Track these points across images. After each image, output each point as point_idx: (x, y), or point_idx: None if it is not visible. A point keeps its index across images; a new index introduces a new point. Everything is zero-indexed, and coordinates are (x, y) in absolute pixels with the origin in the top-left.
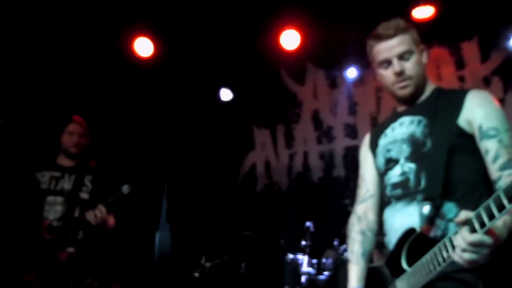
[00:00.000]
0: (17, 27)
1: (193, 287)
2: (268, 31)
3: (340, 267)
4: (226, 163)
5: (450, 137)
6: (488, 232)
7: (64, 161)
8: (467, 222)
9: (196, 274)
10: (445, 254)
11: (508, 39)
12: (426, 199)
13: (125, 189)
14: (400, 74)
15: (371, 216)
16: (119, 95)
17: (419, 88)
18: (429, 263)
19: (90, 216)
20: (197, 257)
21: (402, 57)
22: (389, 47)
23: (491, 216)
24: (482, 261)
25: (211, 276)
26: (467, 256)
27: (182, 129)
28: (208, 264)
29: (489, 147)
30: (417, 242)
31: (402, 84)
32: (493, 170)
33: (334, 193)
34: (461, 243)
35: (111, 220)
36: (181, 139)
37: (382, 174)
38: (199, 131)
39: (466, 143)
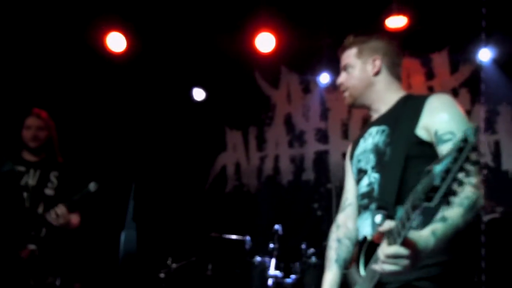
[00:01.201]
0: None
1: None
2: (243, 33)
3: (307, 271)
4: (197, 163)
5: (407, 145)
6: (407, 243)
7: (28, 156)
8: (389, 233)
9: (162, 275)
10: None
11: (477, 52)
12: (379, 207)
13: (92, 186)
14: (339, 85)
15: (350, 225)
16: (90, 90)
17: (360, 98)
18: (369, 273)
19: (51, 215)
20: (163, 257)
21: (345, 69)
22: (341, 61)
23: (403, 225)
24: (406, 271)
25: (177, 277)
26: (387, 268)
27: (152, 127)
28: (174, 265)
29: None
30: (369, 250)
31: (343, 94)
32: None
33: (303, 197)
34: (380, 255)
35: (75, 219)
36: (151, 137)
37: (357, 184)
38: (170, 129)
39: (424, 150)
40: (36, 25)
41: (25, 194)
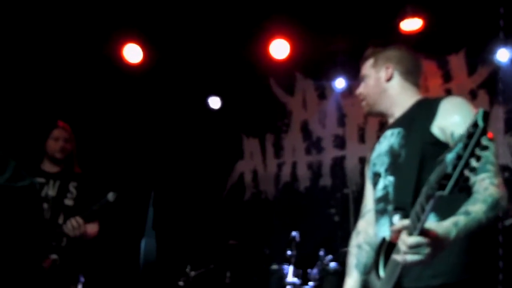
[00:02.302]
0: (5, 31)
1: None
2: (257, 40)
3: (325, 277)
4: (215, 171)
5: (423, 146)
6: (426, 233)
7: (48, 167)
8: (405, 228)
9: (181, 283)
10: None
11: (495, 53)
12: (396, 208)
13: (111, 196)
14: (358, 96)
15: (371, 231)
16: (107, 101)
17: (375, 105)
18: (390, 269)
19: (67, 227)
20: (182, 265)
21: (363, 80)
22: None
23: (419, 218)
24: (429, 260)
25: (196, 285)
26: (409, 258)
27: (170, 136)
28: (193, 273)
29: None
30: (389, 251)
31: (362, 103)
32: None
33: (321, 203)
34: (402, 246)
35: (92, 229)
36: (169, 146)
37: (374, 189)
38: (187, 138)
39: (440, 151)
40: (54, 37)
41: (45, 205)
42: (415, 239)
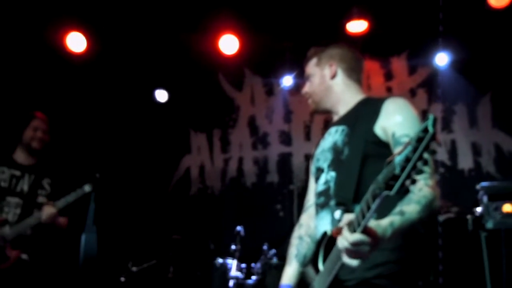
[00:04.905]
0: None
1: None
2: (207, 34)
3: (268, 272)
4: (160, 165)
5: (365, 144)
6: (367, 231)
7: (22, 159)
8: (349, 224)
9: (122, 279)
10: (338, 254)
11: (434, 56)
12: (338, 203)
13: (87, 188)
14: (304, 95)
15: (312, 224)
16: (48, 90)
17: (321, 103)
18: (330, 263)
19: (44, 212)
20: (124, 261)
21: (308, 79)
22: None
23: (363, 216)
24: (366, 257)
25: (138, 280)
26: (350, 254)
27: (115, 129)
28: (134, 268)
29: None
30: (329, 245)
31: (308, 101)
32: None
33: (267, 199)
34: (343, 242)
35: (64, 221)
36: (114, 139)
37: (316, 183)
38: (133, 131)
39: (381, 150)
40: None
41: (18, 200)
42: (358, 236)
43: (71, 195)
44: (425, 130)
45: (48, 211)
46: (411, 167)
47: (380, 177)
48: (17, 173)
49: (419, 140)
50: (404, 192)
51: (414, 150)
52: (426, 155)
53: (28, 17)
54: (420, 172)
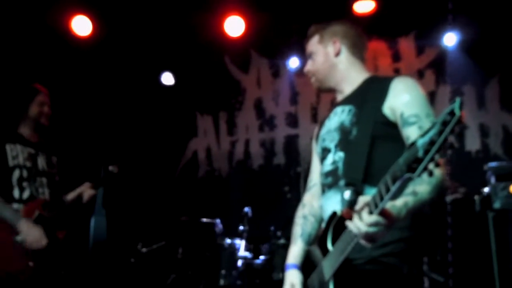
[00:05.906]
0: None
1: (129, 273)
2: (212, 16)
3: (276, 252)
4: (168, 148)
5: (374, 125)
6: (384, 213)
7: (28, 135)
8: (366, 205)
9: (132, 260)
10: (352, 235)
11: (442, 36)
12: (347, 184)
13: (113, 168)
14: (307, 73)
15: (315, 203)
16: (54, 75)
17: (325, 81)
18: (343, 243)
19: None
20: (133, 243)
21: (310, 57)
22: (306, 51)
23: (381, 198)
24: (380, 238)
25: (148, 261)
26: (368, 233)
27: (122, 113)
28: (144, 250)
29: (410, 134)
30: (338, 225)
31: (311, 80)
32: None
33: (274, 180)
34: (359, 223)
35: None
36: (121, 123)
37: (321, 164)
38: (140, 115)
39: (390, 130)
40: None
41: (44, 180)
42: (375, 218)
43: (101, 175)
44: (451, 113)
45: (89, 192)
46: (435, 150)
47: (401, 160)
48: (32, 151)
49: (444, 123)
50: (428, 175)
51: (440, 133)
52: (452, 139)
53: (34, 1)
54: (443, 155)
